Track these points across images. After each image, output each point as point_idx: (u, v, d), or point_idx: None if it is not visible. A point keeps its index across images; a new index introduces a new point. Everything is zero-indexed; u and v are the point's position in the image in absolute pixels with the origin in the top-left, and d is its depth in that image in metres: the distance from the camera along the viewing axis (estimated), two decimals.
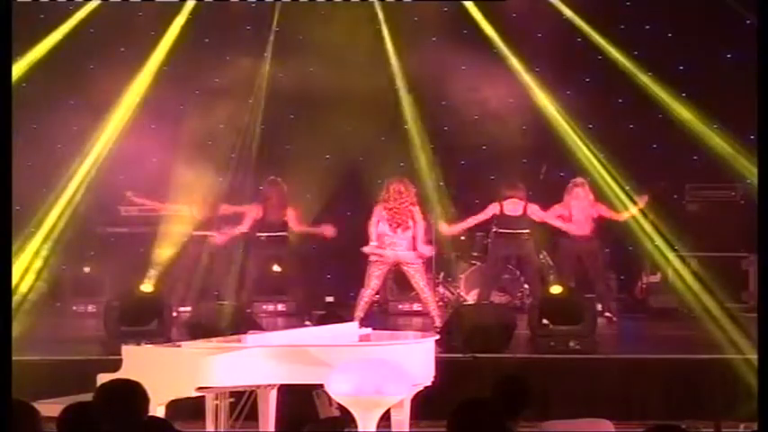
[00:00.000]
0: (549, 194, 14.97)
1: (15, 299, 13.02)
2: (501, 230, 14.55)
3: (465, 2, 15.92)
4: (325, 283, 15.65)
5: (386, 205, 13.32)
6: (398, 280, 14.63)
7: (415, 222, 13.33)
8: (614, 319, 14.45)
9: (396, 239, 13.23)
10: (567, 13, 15.63)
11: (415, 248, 13.34)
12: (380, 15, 15.93)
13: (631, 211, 14.52)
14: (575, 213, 14.59)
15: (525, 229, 14.52)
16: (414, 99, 15.89)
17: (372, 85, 15.70)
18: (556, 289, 13.21)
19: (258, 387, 9.40)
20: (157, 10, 15.75)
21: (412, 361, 9.04)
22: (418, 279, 13.37)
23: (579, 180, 14.70)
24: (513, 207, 14.53)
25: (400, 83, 15.96)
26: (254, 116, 15.68)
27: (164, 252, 14.71)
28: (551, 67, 15.69)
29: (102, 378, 7.83)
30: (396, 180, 13.51)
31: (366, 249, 13.36)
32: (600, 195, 15.02)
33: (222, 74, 15.95)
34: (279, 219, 14.61)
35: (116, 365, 8.79)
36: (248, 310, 13.77)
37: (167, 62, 15.84)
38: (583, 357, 12.00)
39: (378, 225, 13.31)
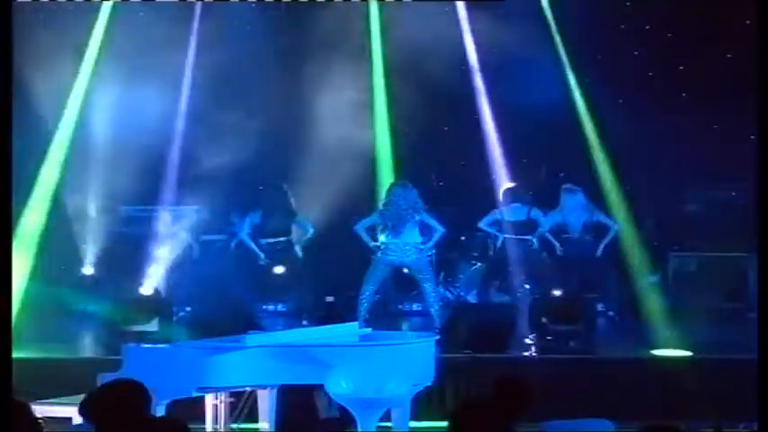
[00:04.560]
0: (549, 195, 14.99)
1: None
2: (503, 235, 14.69)
3: (464, 2, 15.93)
4: (325, 283, 15.64)
5: (386, 209, 13.18)
6: (398, 280, 14.62)
7: (418, 227, 13.22)
8: (617, 318, 14.47)
9: (397, 243, 13.10)
10: (568, 12, 15.67)
11: (419, 253, 13.22)
12: (379, 15, 15.94)
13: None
14: (569, 219, 14.64)
15: (527, 234, 14.62)
16: (413, 99, 15.89)
17: (372, 85, 15.71)
18: (556, 289, 13.21)
19: (258, 387, 9.40)
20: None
21: (412, 361, 9.05)
22: (427, 284, 13.29)
23: (573, 186, 14.75)
24: (514, 212, 14.58)
25: (400, 83, 15.96)
26: (256, 117, 15.70)
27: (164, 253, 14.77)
28: (551, 67, 15.70)
29: (103, 378, 7.84)
30: (397, 183, 13.40)
31: (372, 245, 13.21)
32: (599, 197, 15.05)
33: (222, 74, 15.94)
34: (281, 226, 14.63)
35: (116, 365, 8.79)
36: (248, 310, 13.76)
37: (166, 63, 15.87)
38: (583, 357, 11.99)
39: (379, 227, 13.20)
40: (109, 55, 15.76)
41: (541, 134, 15.70)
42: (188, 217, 15.10)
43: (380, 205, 13.28)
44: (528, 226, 14.70)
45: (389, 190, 13.26)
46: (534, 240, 14.71)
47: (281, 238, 14.62)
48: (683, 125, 15.19)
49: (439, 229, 13.19)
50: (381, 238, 13.12)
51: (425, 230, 13.27)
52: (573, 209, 14.62)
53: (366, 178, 15.49)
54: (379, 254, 13.10)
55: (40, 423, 6.12)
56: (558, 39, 15.79)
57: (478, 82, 16.15)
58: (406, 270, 13.55)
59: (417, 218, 13.08)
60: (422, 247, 13.12)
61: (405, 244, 13.04)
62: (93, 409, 5.65)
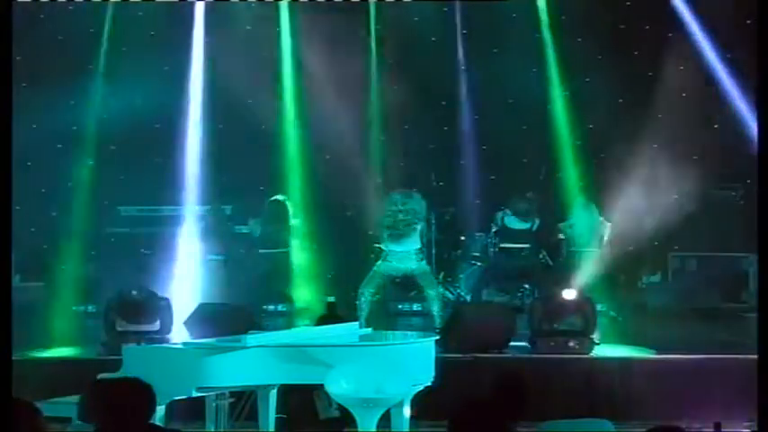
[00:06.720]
0: (549, 195, 15.00)
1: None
2: (502, 245, 14.72)
3: (464, 2, 15.94)
4: (325, 283, 15.65)
5: (388, 218, 13.18)
6: (398, 281, 14.62)
7: (422, 235, 13.24)
8: (619, 318, 14.49)
9: (398, 251, 13.12)
10: (567, 13, 15.68)
11: (419, 260, 13.26)
12: (377, 16, 15.94)
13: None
14: (580, 232, 14.70)
15: (526, 243, 14.65)
16: (413, 99, 15.89)
17: (372, 85, 15.71)
18: (556, 289, 13.21)
19: (258, 387, 9.40)
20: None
21: (412, 361, 9.04)
22: (430, 290, 13.32)
23: (585, 200, 14.81)
24: (515, 221, 14.61)
25: (400, 83, 15.96)
26: (255, 119, 15.70)
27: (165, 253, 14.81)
28: (551, 67, 15.71)
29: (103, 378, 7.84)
30: (399, 191, 13.39)
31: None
32: (599, 197, 15.08)
33: (224, 75, 15.94)
34: (280, 237, 14.67)
35: (116, 365, 8.79)
36: (248, 311, 13.75)
37: (168, 63, 15.87)
38: (583, 357, 12.00)
39: (383, 234, 13.20)
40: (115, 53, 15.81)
41: (541, 135, 15.73)
42: (190, 217, 15.11)
43: (384, 213, 13.28)
44: (525, 234, 14.76)
45: (392, 198, 13.28)
46: (545, 255, 14.83)
47: (281, 249, 14.70)
48: (683, 125, 15.20)
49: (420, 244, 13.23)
50: (383, 245, 13.16)
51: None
52: (585, 223, 14.70)
53: (366, 178, 15.49)
54: (379, 261, 13.14)
55: (42, 423, 6.11)
56: (557, 39, 15.79)
57: (478, 82, 16.14)
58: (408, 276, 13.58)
59: (419, 226, 13.11)
60: (422, 254, 13.17)
61: (406, 251, 13.07)
62: (94, 407, 5.63)
